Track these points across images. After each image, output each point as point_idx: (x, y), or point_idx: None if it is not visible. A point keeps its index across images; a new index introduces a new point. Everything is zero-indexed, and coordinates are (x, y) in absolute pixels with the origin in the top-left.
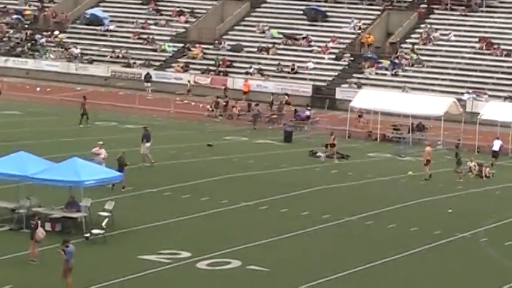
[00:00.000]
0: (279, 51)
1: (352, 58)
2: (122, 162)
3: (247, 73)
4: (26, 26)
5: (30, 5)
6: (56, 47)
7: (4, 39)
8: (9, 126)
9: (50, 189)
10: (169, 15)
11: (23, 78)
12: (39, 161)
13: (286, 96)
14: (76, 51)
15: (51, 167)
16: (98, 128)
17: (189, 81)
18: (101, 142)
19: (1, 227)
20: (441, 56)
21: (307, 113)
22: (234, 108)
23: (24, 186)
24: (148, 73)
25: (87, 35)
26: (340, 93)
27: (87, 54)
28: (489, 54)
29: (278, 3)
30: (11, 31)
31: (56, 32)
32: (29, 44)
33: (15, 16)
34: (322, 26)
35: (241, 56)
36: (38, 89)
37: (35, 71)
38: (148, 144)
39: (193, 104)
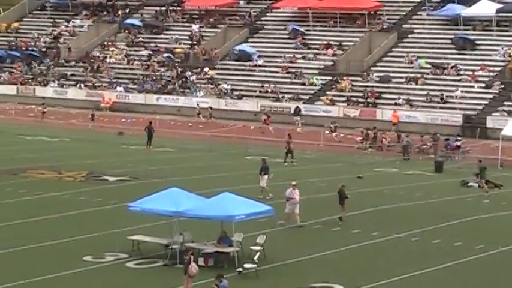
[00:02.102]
0: (428, 81)
1: (502, 86)
2: (342, 195)
3: (395, 104)
4: (177, 64)
5: (180, 43)
6: (206, 83)
7: (156, 77)
8: (162, 163)
9: (202, 224)
10: (317, 49)
11: (175, 115)
12: (192, 197)
13: (265, 116)
14: (226, 87)
15: (203, 202)
16: (248, 163)
17: (209, 107)
18: (294, 183)
19: (155, 262)
20: None
21: (458, 142)
22: (384, 140)
23: (177, 222)
24: (297, 107)
25: (236, 71)
26: (491, 122)
27: (236, 90)
28: None
29: (425, 33)
30: (162, 69)
31: (206, 69)
32: (179, 82)
33: (166, 55)
34: (471, 54)
35: (389, 87)
36: (190, 124)
37: (186, 108)
38: (266, 176)
39: (341, 135)
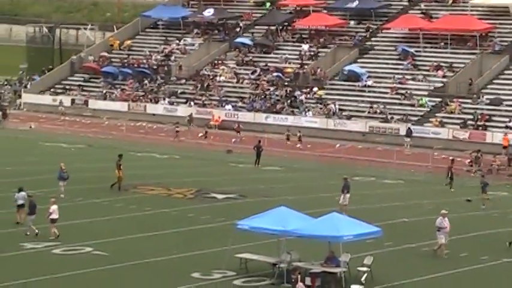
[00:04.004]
0: None
1: None
2: None
3: (506, 127)
4: (286, 83)
5: (290, 63)
6: (315, 103)
7: (265, 96)
8: (270, 182)
9: (309, 243)
10: (427, 70)
11: (283, 134)
12: (299, 216)
13: (237, 125)
14: (334, 107)
15: (311, 222)
16: (355, 184)
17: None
18: (445, 211)
19: (262, 280)
20: None
21: None
22: (494, 163)
23: (285, 241)
24: (409, 128)
25: (345, 91)
26: None
27: (345, 110)
28: None
29: None
30: (272, 88)
31: (315, 89)
32: (288, 101)
33: (275, 74)
34: None
35: (500, 110)
36: (298, 145)
37: (294, 127)
38: (348, 195)
39: (450, 158)
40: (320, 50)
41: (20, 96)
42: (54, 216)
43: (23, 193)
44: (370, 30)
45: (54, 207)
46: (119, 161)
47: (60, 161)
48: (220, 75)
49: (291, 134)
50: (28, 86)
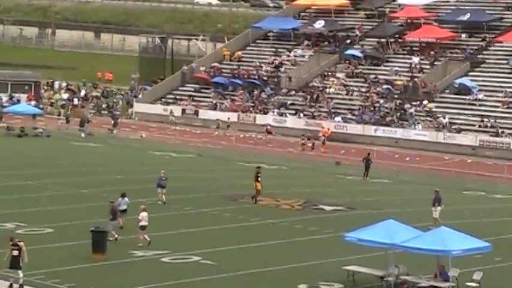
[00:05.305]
0: None
1: None
2: None
3: None
4: (396, 95)
5: (400, 75)
6: (424, 116)
7: (374, 108)
8: (379, 194)
9: (417, 257)
10: None
11: (392, 147)
12: (408, 229)
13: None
14: (444, 120)
15: (419, 235)
16: (465, 198)
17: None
18: None
19: None
20: None
21: None
22: None
23: (393, 254)
24: None
25: (456, 104)
26: None
27: (455, 123)
28: None
29: None
30: (381, 101)
31: (425, 102)
32: (398, 114)
33: (385, 86)
34: None
35: None
36: (407, 158)
37: (403, 140)
38: (439, 208)
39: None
40: (431, 62)
41: (131, 106)
42: (144, 223)
43: (126, 199)
44: (486, 41)
45: (143, 214)
46: (257, 173)
47: (169, 170)
48: (329, 87)
49: (306, 139)
50: (140, 95)
